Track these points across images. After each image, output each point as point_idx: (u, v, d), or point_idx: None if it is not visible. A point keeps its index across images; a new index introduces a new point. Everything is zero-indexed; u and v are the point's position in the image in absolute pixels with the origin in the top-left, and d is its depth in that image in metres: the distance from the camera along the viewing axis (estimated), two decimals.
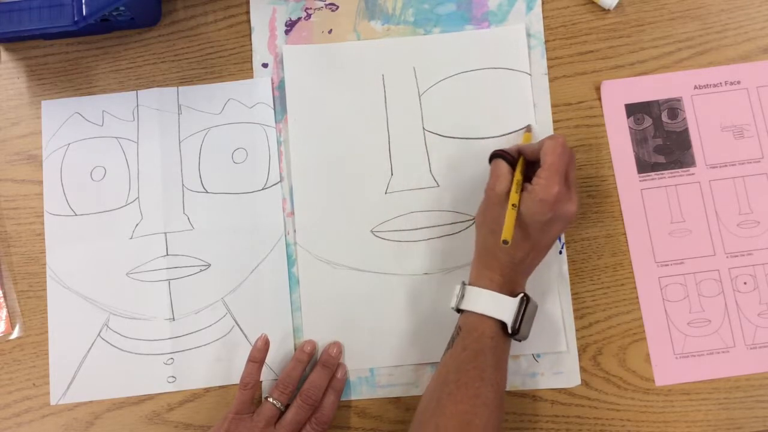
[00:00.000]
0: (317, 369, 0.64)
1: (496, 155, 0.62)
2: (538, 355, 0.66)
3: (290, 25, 0.72)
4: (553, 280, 0.67)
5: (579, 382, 0.65)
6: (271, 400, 0.62)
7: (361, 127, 0.69)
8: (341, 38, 0.72)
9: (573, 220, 0.60)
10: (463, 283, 0.61)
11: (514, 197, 0.58)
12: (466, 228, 0.68)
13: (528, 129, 0.69)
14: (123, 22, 0.70)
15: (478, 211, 0.62)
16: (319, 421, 0.62)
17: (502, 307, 0.58)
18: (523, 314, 0.58)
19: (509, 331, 0.58)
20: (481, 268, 0.60)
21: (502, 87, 0.70)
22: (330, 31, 0.72)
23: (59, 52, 0.72)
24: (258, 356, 0.63)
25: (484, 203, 0.62)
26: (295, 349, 0.66)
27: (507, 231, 0.56)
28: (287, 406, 0.63)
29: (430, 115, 0.70)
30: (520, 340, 0.60)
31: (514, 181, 0.60)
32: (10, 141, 0.71)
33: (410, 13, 0.72)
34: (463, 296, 0.60)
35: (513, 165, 0.61)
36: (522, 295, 0.59)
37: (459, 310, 0.60)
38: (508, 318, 0.58)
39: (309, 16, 0.72)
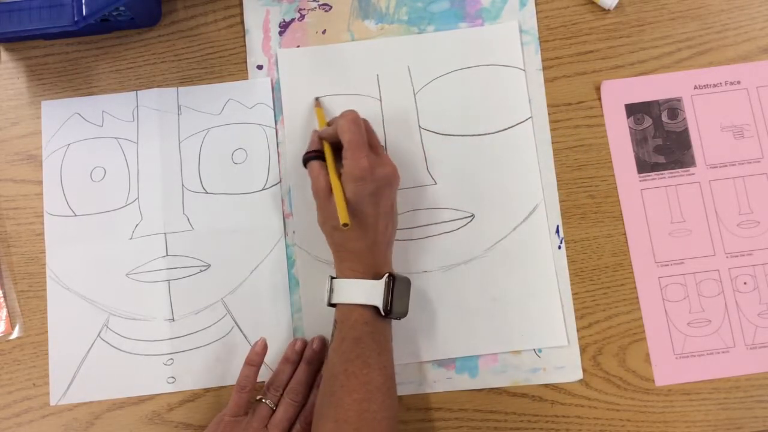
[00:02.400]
0: (301, 366, 0.64)
1: (307, 159, 0.64)
2: (540, 351, 0.66)
3: (284, 27, 0.72)
4: (552, 276, 0.67)
5: (581, 376, 0.65)
6: (264, 400, 0.62)
7: None
8: (335, 38, 0.72)
9: (397, 180, 0.62)
10: (331, 278, 0.61)
11: (335, 182, 0.59)
12: (465, 225, 0.68)
13: (317, 103, 0.69)
14: (123, 22, 0.70)
15: (317, 217, 0.63)
16: (307, 419, 0.62)
17: (370, 292, 0.59)
18: (392, 293, 0.59)
19: (382, 312, 0.59)
20: (341, 262, 0.61)
21: (496, 84, 0.70)
22: (324, 32, 0.72)
23: (59, 52, 0.72)
24: (255, 360, 0.63)
25: (317, 206, 0.62)
26: None
27: (342, 215, 0.57)
28: None
29: (426, 114, 0.70)
30: (399, 318, 0.61)
31: (329, 169, 0.61)
32: (10, 141, 0.71)
33: (404, 12, 0.72)
34: (332, 290, 0.60)
35: (324, 158, 0.63)
36: (387, 275, 0.59)
37: (333, 305, 0.61)
38: (378, 301, 0.59)
39: (302, 17, 0.72)
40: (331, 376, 0.58)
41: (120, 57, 0.72)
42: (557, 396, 0.65)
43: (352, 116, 0.61)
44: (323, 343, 0.65)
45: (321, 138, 0.64)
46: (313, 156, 0.63)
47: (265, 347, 0.64)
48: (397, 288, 0.60)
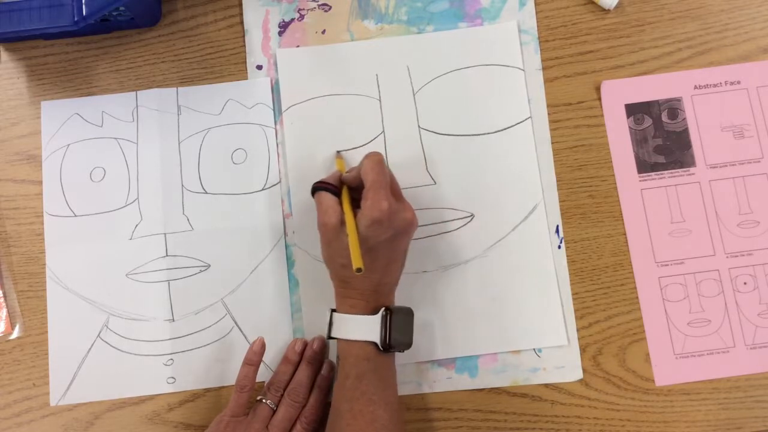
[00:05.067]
0: (301, 366, 0.64)
1: (317, 188, 0.62)
2: (539, 350, 0.66)
3: (283, 27, 0.72)
4: (552, 275, 0.67)
5: (581, 375, 0.65)
6: (265, 401, 0.62)
7: (357, 127, 0.70)
8: (335, 38, 0.72)
9: (415, 227, 0.60)
10: (331, 311, 0.61)
11: (351, 224, 0.58)
12: (464, 225, 0.68)
13: (338, 155, 0.69)
14: (123, 22, 0.70)
15: (321, 249, 0.62)
16: (308, 420, 0.62)
17: (367, 328, 0.59)
18: (389, 327, 0.59)
19: (381, 347, 0.59)
20: (343, 298, 0.61)
21: (496, 84, 0.70)
22: (323, 32, 0.72)
23: (59, 52, 0.72)
24: (254, 359, 0.63)
25: (323, 240, 0.61)
26: None
27: (356, 259, 0.56)
28: None
29: (425, 113, 0.70)
30: (402, 350, 0.61)
31: (346, 209, 0.59)
32: (10, 141, 0.71)
33: (403, 12, 0.72)
34: (331, 324, 0.61)
35: (337, 194, 0.61)
36: (383, 309, 0.59)
37: (333, 338, 0.61)
38: (375, 336, 0.58)
39: (302, 17, 0.72)
40: (337, 413, 0.58)
41: (120, 57, 0.72)
42: (557, 396, 0.65)
43: (377, 158, 0.60)
44: (323, 344, 0.65)
45: (343, 181, 0.62)
46: (324, 187, 0.61)
47: (263, 346, 0.64)
48: (396, 321, 0.59)
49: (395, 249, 0.60)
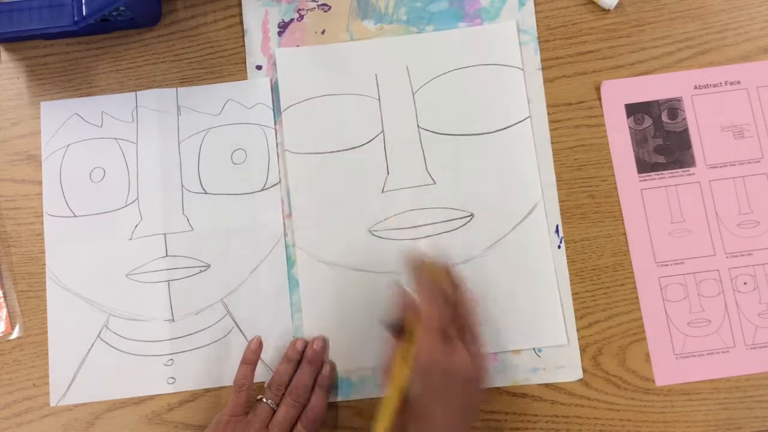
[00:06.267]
0: (302, 366, 0.64)
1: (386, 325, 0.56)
2: (539, 350, 0.66)
3: (283, 27, 0.72)
4: (552, 275, 0.67)
5: (581, 375, 0.65)
6: (265, 400, 0.62)
7: (356, 127, 0.69)
8: (334, 38, 0.72)
9: (471, 371, 0.51)
10: None
11: (396, 376, 0.50)
12: (464, 225, 0.68)
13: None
14: (123, 22, 0.70)
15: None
16: (309, 419, 0.62)
17: None
18: None
19: None
20: None
21: (495, 83, 0.70)
22: (323, 32, 0.72)
23: (59, 52, 0.72)
24: (252, 358, 0.63)
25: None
26: None
27: (380, 420, 0.48)
28: None
29: (425, 113, 0.70)
30: None
31: (398, 358, 0.52)
32: (10, 141, 0.71)
33: (403, 12, 0.72)
34: None
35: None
36: None
37: None
38: None
39: (302, 17, 0.72)
40: None
41: (120, 57, 0.72)
42: (557, 396, 0.65)
43: (431, 291, 0.51)
44: (324, 343, 0.65)
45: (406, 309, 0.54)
46: (388, 323, 0.56)
47: (260, 345, 0.64)
48: None
49: (449, 405, 0.51)
